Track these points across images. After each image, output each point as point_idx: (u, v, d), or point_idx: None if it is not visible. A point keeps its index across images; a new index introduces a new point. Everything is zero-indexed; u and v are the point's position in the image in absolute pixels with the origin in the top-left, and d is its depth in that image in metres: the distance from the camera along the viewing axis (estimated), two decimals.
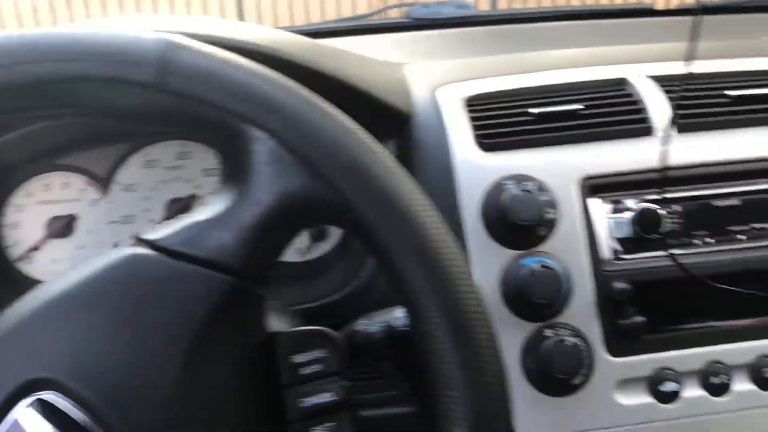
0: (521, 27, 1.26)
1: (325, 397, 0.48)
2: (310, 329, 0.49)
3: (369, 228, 0.46)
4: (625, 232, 0.75)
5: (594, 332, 0.73)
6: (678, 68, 0.82)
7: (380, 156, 0.46)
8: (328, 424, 0.47)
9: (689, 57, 0.66)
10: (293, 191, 0.46)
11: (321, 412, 0.47)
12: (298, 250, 0.85)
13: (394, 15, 1.40)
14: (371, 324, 0.58)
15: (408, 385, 0.61)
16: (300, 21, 3.55)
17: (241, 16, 3.12)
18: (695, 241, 0.76)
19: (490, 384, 0.45)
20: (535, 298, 0.70)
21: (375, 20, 1.38)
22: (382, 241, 0.45)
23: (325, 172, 0.45)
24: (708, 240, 0.76)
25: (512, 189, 0.73)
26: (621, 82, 0.83)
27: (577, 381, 0.72)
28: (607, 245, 0.75)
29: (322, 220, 0.53)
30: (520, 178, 0.75)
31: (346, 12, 3.50)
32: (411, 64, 0.90)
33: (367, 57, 0.87)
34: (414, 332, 0.47)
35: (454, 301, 0.45)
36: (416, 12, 1.29)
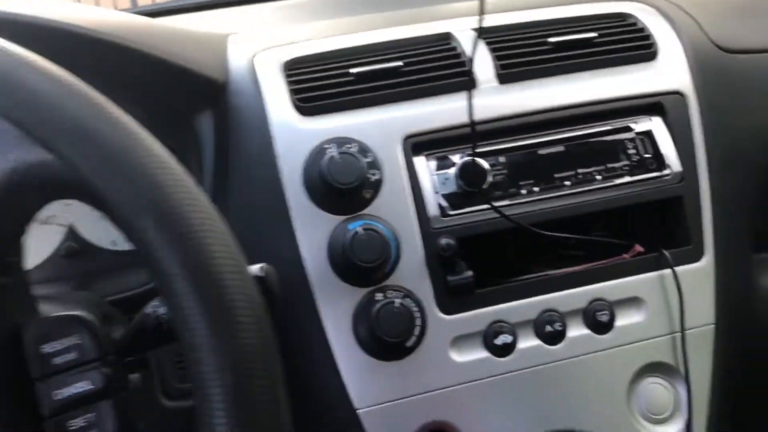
0: None
1: (81, 387, 0.44)
2: (61, 315, 0.45)
3: (100, 196, 0.41)
4: (451, 187, 0.74)
5: (425, 292, 0.71)
6: (502, 20, 0.81)
7: (108, 116, 0.42)
8: (87, 416, 0.43)
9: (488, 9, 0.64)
10: (18, 166, 0.42)
11: (77, 404, 0.43)
12: (112, 240, 0.80)
13: None
14: (160, 305, 0.54)
15: None
16: None
17: None
18: (521, 191, 0.75)
19: (251, 385, 0.41)
20: (360, 262, 0.68)
21: None
22: (119, 211, 0.41)
23: (46, 140, 0.41)
24: (533, 189, 0.75)
25: (332, 152, 0.70)
26: (445, 37, 0.82)
27: (410, 343, 0.70)
28: (433, 203, 0.73)
29: (60, 195, 0.49)
30: (340, 141, 0.72)
31: None
32: (236, 34, 0.86)
33: (188, 31, 0.83)
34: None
35: (203, 276, 0.41)
36: None
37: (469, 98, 0.66)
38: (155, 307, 0.54)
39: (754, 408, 0.86)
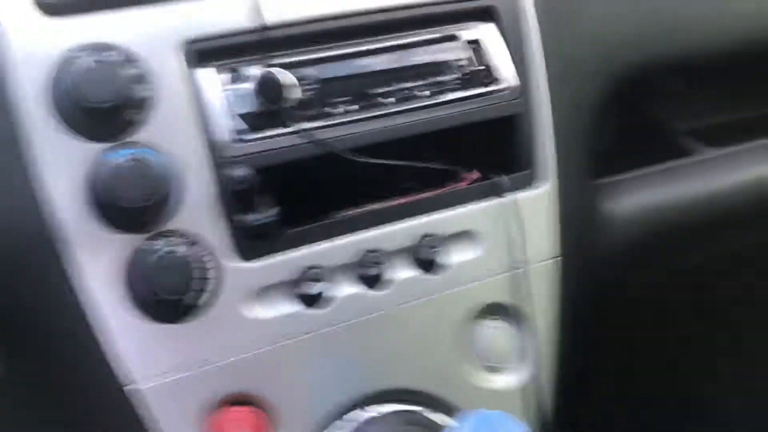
0: None
1: None
2: None
3: None
4: (249, 106, 0.59)
5: (218, 235, 0.57)
6: None
7: None
8: None
9: None
10: None
11: None
12: None
13: None
14: None
15: None
16: None
17: None
18: (335, 111, 0.62)
19: None
20: (124, 202, 0.53)
21: None
22: None
23: None
24: (350, 108, 0.62)
25: (85, 62, 0.54)
26: None
27: (200, 301, 0.56)
28: (225, 125, 0.58)
29: None
30: (97, 48, 0.55)
31: None
32: None
33: None
34: None
35: None
36: None
37: None
38: None
39: (604, 350, 0.80)
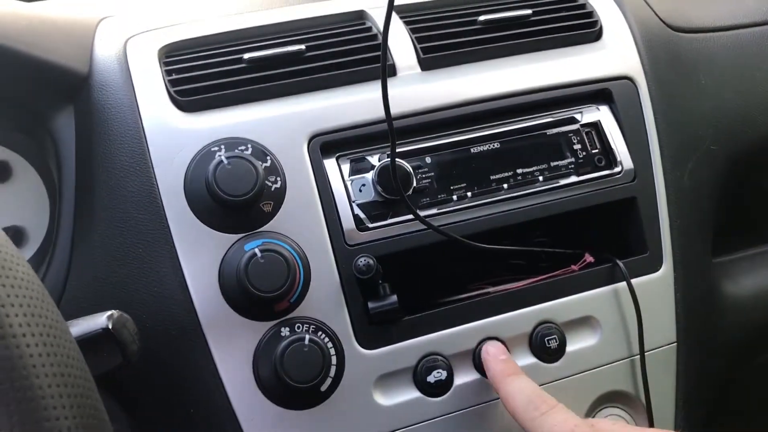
0: None
1: None
2: None
3: None
4: (369, 195, 0.61)
5: (341, 323, 0.59)
6: None
7: None
8: None
9: None
10: None
11: None
12: None
13: None
14: None
15: None
16: None
17: None
18: (452, 198, 0.63)
19: None
20: (258, 291, 0.55)
21: None
22: None
23: None
24: (466, 195, 0.63)
25: (221, 157, 0.57)
26: (358, 16, 0.69)
27: (324, 388, 0.57)
28: (348, 214, 0.60)
29: None
30: (231, 143, 0.59)
31: None
32: (110, 18, 0.71)
33: (50, 16, 0.67)
34: None
35: None
36: None
37: (384, 87, 0.53)
38: None
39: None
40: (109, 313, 0.41)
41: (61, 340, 0.30)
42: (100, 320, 0.40)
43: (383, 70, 0.53)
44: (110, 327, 0.40)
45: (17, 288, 0.30)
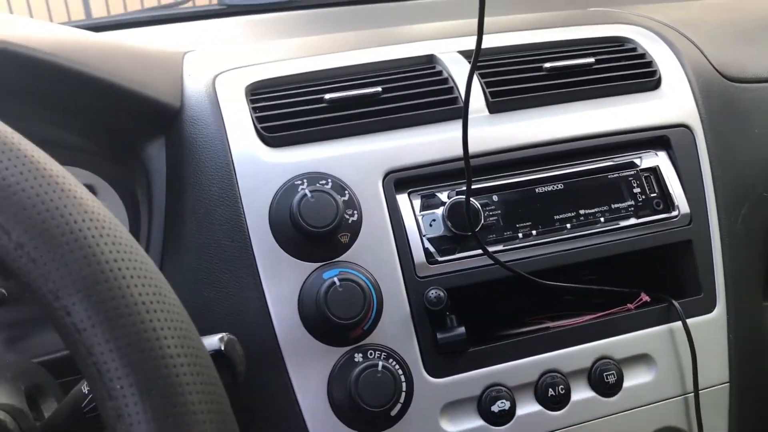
0: (345, 10, 1.14)
1: None
2: None
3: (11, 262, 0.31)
4: (438, 230, 0.65)
5: (411, 351, 0.62)
6: (491, 41, 0.73)
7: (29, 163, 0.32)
8: None
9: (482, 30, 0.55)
10: None
11: None
12: None
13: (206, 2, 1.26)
14: None
15: None
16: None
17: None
18: (518, 235, 0.66)
19: None
20: (336, 318, 0.58)
21: (184, 8, 1.22)
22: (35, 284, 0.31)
23: None
24: (531, 232, 0.67)
25: (304, 190, 0.61)
26: (429, 60, 0.73)
27: (394, 412, 0.60)
28: (419, 248, 0.64)
29: None
30: (313, 177, 0.63)
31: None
32: (194, 52, 0.76)
33: (136, 47, 0.72)
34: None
35: (143, 364, 0.31)
36: None
37: (465, 129, 0.57)
38: None
39: None
40: (220, 335, 0.45)
41: (205, 360, 0.34)
42: (212, 341, 0.44)
43: (465, 112, 0.57)
44: (222, 348, 0.43)
45: (170, 312, 0.34)
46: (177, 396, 0.32)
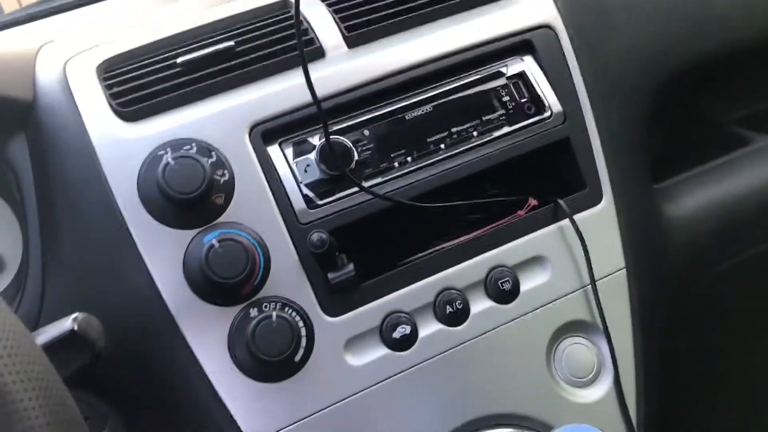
0: None
1: None
2: None
3: None
4: (314, 175, 0.65)
5: (306, 297, 0.63)
6: None
7: None
8: None
9: None
10: None
11: None
12: None
13: None
14: None
15: None
16: None
17: None
18: (393, 165, 0.67)
19: None
20: (221, 279, 0.59)
21: (58, 2, 1.18)
22: None
23: None
24: (406, 160, 0.67)
25: (167, 159, 0.60)
26: (282, 5, 0.72)
27: (297, 358, 0.61)
28: (298, 195, 0.64)
29: None
30: (176, 144, 0.62)
31: None
32: (49, 44, 0.74)
33: None
34: None
35: None
36: None
37: (305, 69, 0.57)
38: None
39: (683, 349, 0.81)
40: (74, 315, 0.45)
41: (21, 342, 0.34)
42: (66, 324, 0.44)
43: (300, 49, 0.56)
44: (75, 328, 0.43)
45: None
46: None
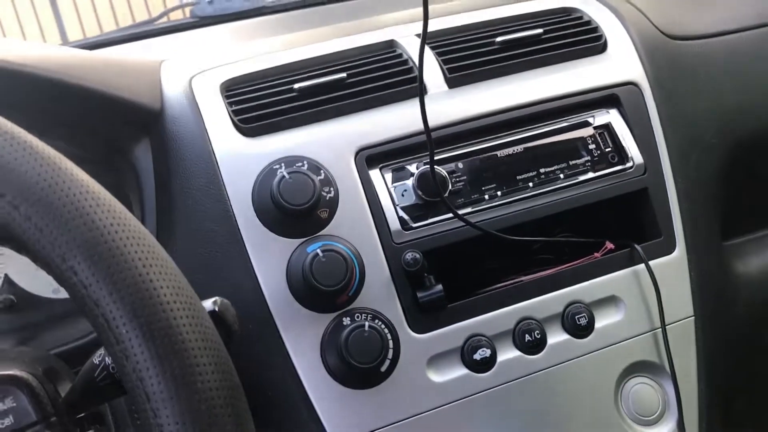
0: (311, 11, 1.20)
1: None
2: None
3: (24, 239, 0.36)
4: (410, 199, 0.70)
5: (395, 311, 0.67)
6: (445, 23, 0.79)
7: (32, 152, 0.37)
8: None
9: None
10: None
11: None
12: (54, 288, 0.74)
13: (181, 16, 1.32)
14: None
15: None
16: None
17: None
18: (484, 197, 0.72)
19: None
20: (322, 286, 0.63)
21: (160, 24, 1.28)
22: (44, 251, 0.36)
23: None
24: (496, 193, 0.72)
25: (282, 173, 0.66)
26: (389, 45, 0.78)
27: (384, 368, 0.65)
28: (394, 216, 0.69)
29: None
30: (289, 161, 0.68)
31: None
32: (170, 60, 0.81)
33: (117, 59, 0.78)
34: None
35: (150, 317, 0.36)
36: (200, 10, 1.21)
37: (422, 104, 0.62)
38: (103, 356, 0.48)
39: (745, 399, 0.84)
40: (214, 298, 0.50)
41: (198, 307, 0.39)
42: (207, 303, 0.49)
43: (420, 89, 0.62)
44: (216, 310, 0.48)
45: (163, 267, 0.39)
46: (175, 336, 0.37)
